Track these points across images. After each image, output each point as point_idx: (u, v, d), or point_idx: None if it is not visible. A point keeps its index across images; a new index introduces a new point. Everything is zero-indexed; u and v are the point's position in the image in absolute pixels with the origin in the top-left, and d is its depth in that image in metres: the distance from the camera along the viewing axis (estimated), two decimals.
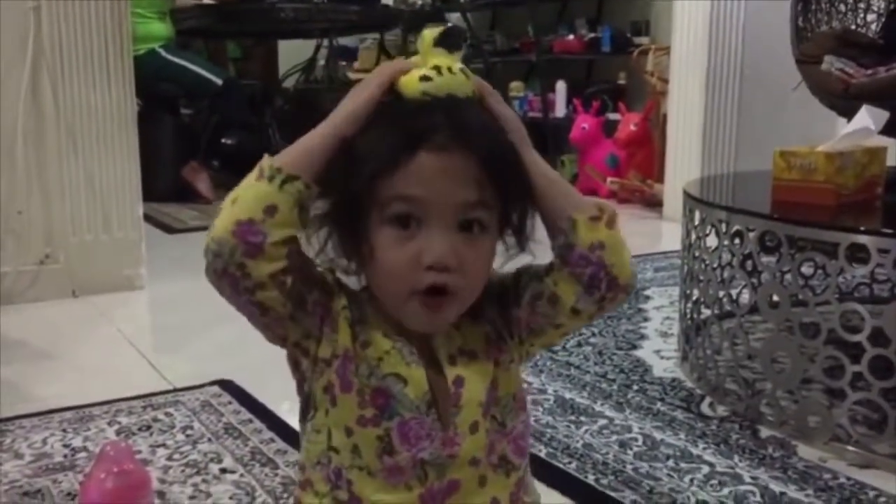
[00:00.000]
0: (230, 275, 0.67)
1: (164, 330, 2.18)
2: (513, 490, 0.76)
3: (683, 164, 3.27)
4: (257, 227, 0.67)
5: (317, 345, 0.72)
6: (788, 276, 1.48)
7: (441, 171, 0.68)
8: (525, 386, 0.79)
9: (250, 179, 0.69)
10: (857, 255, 1.42)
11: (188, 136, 4.09)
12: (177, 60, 3.86)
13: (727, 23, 3.17)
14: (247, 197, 0.68)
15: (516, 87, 4.86)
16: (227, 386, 1.61)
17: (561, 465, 1.30)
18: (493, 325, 0.76)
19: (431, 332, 0.73)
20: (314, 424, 0.74)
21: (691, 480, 1.25)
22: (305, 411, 0.76)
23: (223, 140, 4.21)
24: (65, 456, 1.33)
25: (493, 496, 0.75)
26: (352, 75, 4.68)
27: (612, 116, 4.14)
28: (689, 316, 1.73)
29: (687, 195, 1.70)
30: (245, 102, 4.25)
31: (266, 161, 0.69)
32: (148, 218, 2.74)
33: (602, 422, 1.46)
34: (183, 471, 1.27)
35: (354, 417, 0.71)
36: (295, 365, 0.75)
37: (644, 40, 4.29)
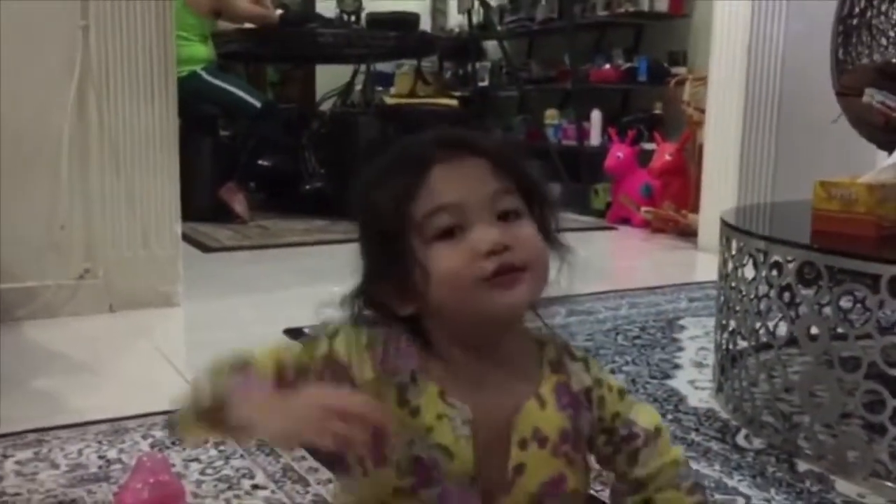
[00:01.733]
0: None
1: (198, 347, 2.20)
2: None
3: (719, 194, 3.25)
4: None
5: None
6: (827, 309, 1.46)
7: (459, 174, 0.71)
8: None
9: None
10: None
11: (226, 157, 4.14)
12: (217, 83, 3.93)
13: (766, 53, 3.16)
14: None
15: (551, 115, 4.88)
16: None
17: (593, 492, 1.28)
18: (573, 423, 0.75)
19: (515, 308, 0.71)
20: (346, 484, 0.74)
21: None
22: (338, 468, 0.76)
23: (260, 162, 4.26)
24: (99, 467, 1.34)
25: None
26: (388, 100, 4.72)
27: (648, 146, 4.13)
28: (724, 346, 1.71)
29: (724, 224, 1.69)
30: (282, 125, 4.31)
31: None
32: (184, 236, 2.77)
33: None
34: (216, 485, 1.28)
35: (390, 490, 0.71)
36: None
37: (681, 70, 4.29)
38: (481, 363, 0.73)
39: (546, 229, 0.76)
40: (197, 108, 3.80)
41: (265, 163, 4.28)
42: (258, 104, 3.99)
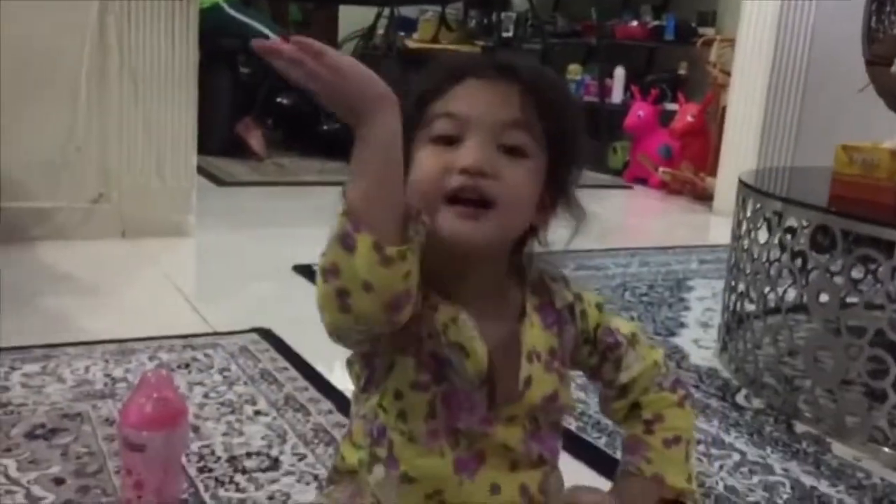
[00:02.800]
0: (375, 336, 0.67)
1: (208, 277, 2.22)
2: (541, 480, 0.77)
3: (738, 158, 3.21)
4: (408, 292, 0.64)
5: None
6: (839, 277, 1.45)
7: (484, 93, 0.70)
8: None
9: (372, 264, 0.61)
10: None
11: (244, 92, 4.11)
12: (239, 16, 3.89)
13: (797, 17, 3.10)
14: (387, 280, 0.62)
15: (574, 69, 4.81)
16: (266, 334, 1.63)
17: (590, 440, 1.29)
18: (560, 339, 0.77)
19: (467, 243, 0.69)
20: (372, 385, 0.74)
21: (721, 467, 1.24)
22: (365, 366, 0.75)
23: (278, 99, 4.23)
24: (105, 384, 1.36)
25: (522, 482, 0.76)
26: (410, 45, 4.67)
27: (670, 106, 4.08)
28: (731, 308, 1.70)
29: (742, 184, 1.68)
30: None
31: (390, 248, 0.62)
32: (199, 169, 2.77)
33: None
34: (218, 409, 1.30)
35: (409, 382, 0.71)
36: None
37: (709, 31, 4.22)
38: (467, 277, 0.73)
39: (558, 181, 0.75)
40: (217, 41, 3.77)
41: (283, 101, 4.25)
42: (279, 40, 3.95)
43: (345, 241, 0.61)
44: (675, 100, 4.06)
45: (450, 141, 0.70)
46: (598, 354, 0.81)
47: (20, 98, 2.17)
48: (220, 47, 3.86)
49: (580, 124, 0.77)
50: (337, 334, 0.66)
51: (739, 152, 3.26)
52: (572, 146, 0.75)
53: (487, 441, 0.73)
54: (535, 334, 0.76)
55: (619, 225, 3.29)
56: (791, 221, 1.52)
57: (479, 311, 0.73)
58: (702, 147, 3.76)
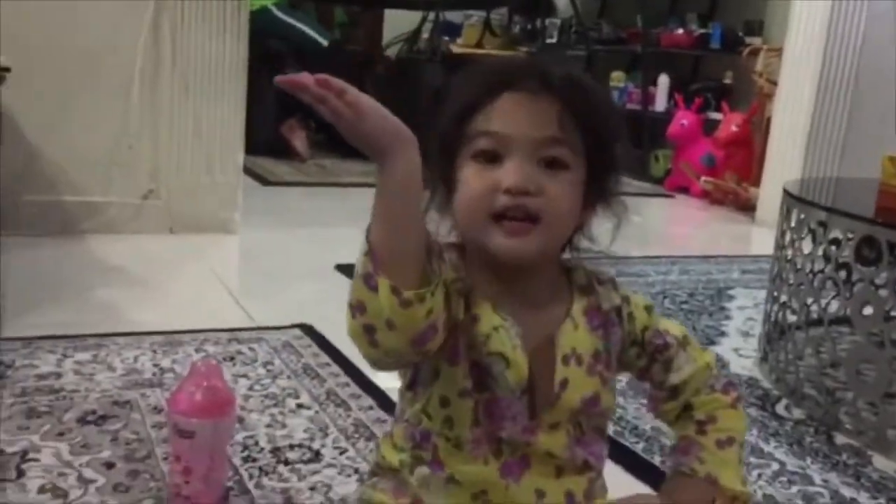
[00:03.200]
0: (410, 363, 0.72)
1: (252, 274, 2.26)
2: (587, 486, 0.78)
3: (782, 168, 3.18)
4: (433, 327, 0.67)
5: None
6: (884, 289, 1.44)
7: (523, 109, 0.71)
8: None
9: (393, 305, 0.64)
10: None
11: (290, 95, 4.16)
12: (287, 19, 3.96)
13: (846, 23, 3.06)
14: (408, 319, 0.65)
15: (617, 77, 4.80)
16: (309, 330, 1.66)
17: (628, 444, 1.30)
18: (605, 344, 0.78)
19: (517, 258, 0.72)
20: (418, 387, 0.76)
21: (759, 475, 1.23)
22: (412, 374, 0.77)
23: None
24: (153, 374, 1.40)
25: (567, 489, 0.77)
26: (454, 50, 4.69)
27: (714, 115, 4.05)
28: (773, 318, 1.69)
29: (786, 193, 1.67)
30: (347, 67, 4.31)
31: (408, 292, 0.64)
32: (245, 169, 2.82)
33: None
34: (262, 401, 1.33)
35: (457, 390, 0.73)
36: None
37: (756, 40, 4.18)
38: (516, 285, 0.75)
39: (601, 187, 0.76)
40: (265, 43, 3.83)
41: None
42: (325, 42, 4.01)
43: (368, 282, 0.64)
44: (719, 109, 4.03)
45: (492, 157, 0.71)
46: (647, 356, 0.82)
47: (75, 95, 2.24)
48: (267, 49, 3.92)
49: (618, 130, 0.78)
50: (373, 364, 0.70)
51: (784, 162, 3.23)
52: (611, 152, 0.76)
53: (531, 449, 0.75)
54: (579, 336, 0.76)
55: (659, 233, 3.27)
56: (836, 232, 1.51)
57: (524, 316, 0.74)
58: (745, 157, 3.72)
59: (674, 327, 0.83)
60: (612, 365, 0.79)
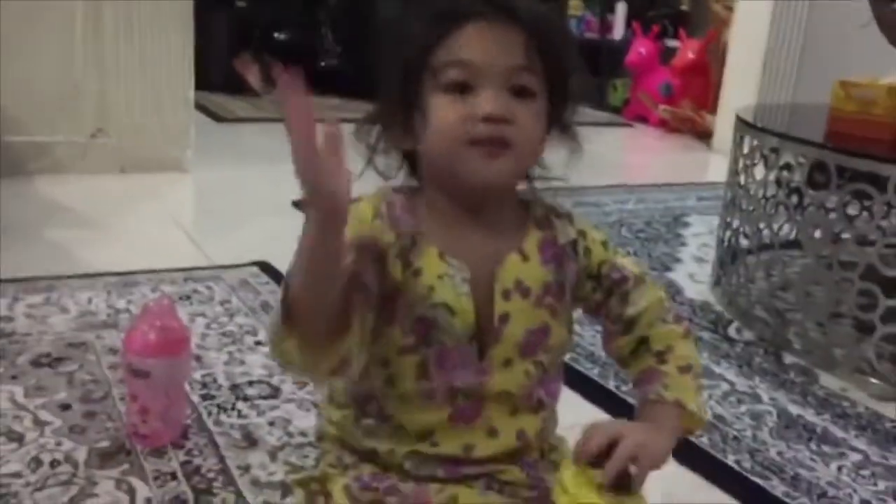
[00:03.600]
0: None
1: (207, 212, 2.23)
2: (540, 426, 0.78)
3: (739, 95, 3.19)
4: (343, 362, 0.67)
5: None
6: (833, 212, 1.47)
7: (491, 38, 0.70)
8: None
9: (301, 351, 0.65)
10: None
11: (242, 28, 4.07)
12: None
13: None
14: (315, 363, 0.66)
15: (575, 5, 4.74)
16: (266, 267, 1.65)
17: (583, 370, 1.32)
18: (556, 276, 0.77)
19: (488, 181, 0.72)
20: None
21: (709, 396, 1.27)
22: None
23: (276, 35, 4.19)
24: (108, 315, 1.38)
25: (520, 427, 0.77)
26: None
27: (671, 43, 4.04)
28: (726, 243, 1.72)
29: (739, 120, 1.68)
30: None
31: (290, 354, 0.65)
32: (198, 106, 2.76)
33: None
34: (220, 339, 1.32)
35: (395, 349, 0.73)
36: None
37: None
38: (469, 219, 0.75)
39: (559, 117, 0.76)
40: None
41: (281, 37, 4.20)
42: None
43: (280, 328, 0.64)
44: (676, 36, 4.01)
45: (463, 88, 0.70)
46: (603, 290, 0.81)
47: (17, 35, 2.16)
48: None
49: (576, 60, 0.77)
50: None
51: (740, 89, 3.24)
52: (569, 83, 0.76)
53: (486, 392, 0.74)
54: (528, 269, 0.76)
55: (617, 162, 3.29)
56: (787, 158, 1.53)
57: (477, 254, 0.74)
58: (703, 84, 3.73)
59: (630, 262, 0.83)
60: (566, 298, 0.79)
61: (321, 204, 0.60)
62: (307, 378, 0.69)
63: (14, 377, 1.15)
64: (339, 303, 0.65)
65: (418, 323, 0.72)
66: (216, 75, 3.72)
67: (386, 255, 0.71)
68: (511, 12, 0.71)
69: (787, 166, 1.56)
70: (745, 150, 1.63)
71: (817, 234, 1.50)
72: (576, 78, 0.77)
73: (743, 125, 1.65)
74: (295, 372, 0.69)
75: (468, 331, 0.73)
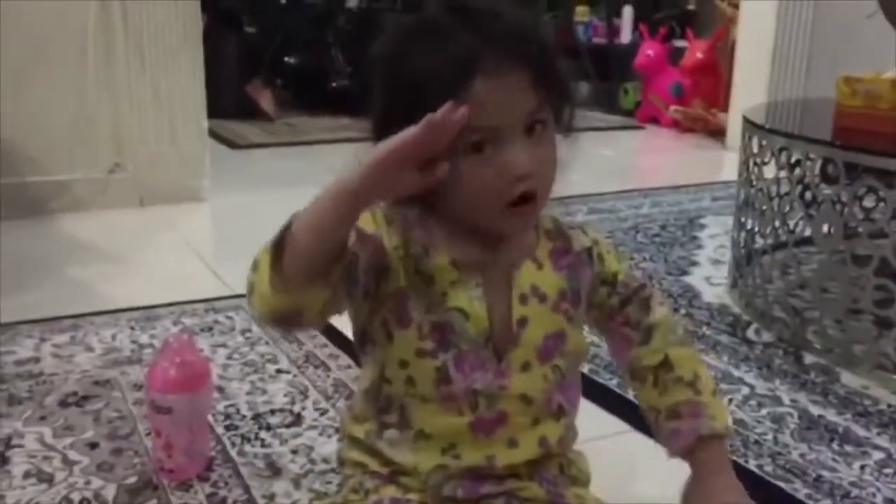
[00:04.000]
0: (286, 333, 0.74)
1: (226, 240, 2.26)
2: (562, 433, 0.80)
3: (750, 92, 3.18)
4: (293, 317, 0.70)
5: (376, 288, 0.74)
6: (845, 207, 1.46)
7: (504, 92, 0.69)
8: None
9: (268, 281, 0.67)
10: None
11: (252, 53, 4.12)
12: None
13: None
14: (274, 303, 0.68)
15: (581, 11, 4.75)
16: None
17: (603, 381, 1.33)
18: (570, 284, 0.79)
19: (517, 232, 0.75)
20: (371, 357, 0.78)
21: (730, 400, 1.27)
22: (362, 341, 0.79)
23: (286, 59, 4.23)
24: (132, 351, 1.41)
25: (542, 435, 0.78)
26: None
27: (679, 44, 4.03)
28: (741, 244, 1.72)
29: (746, 121, 1.68)
30: (308, 21, 4.25)
31: (264, 275, 0.68)
32: (211, 133, 2.80)
33: None
34: (241, 369, 1.34)
35: (413, 350, 0.74)
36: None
37: None
38: (483, 238, 0.76)
39: (564, 124, 0.77)
40: (221, 2, 3.76)
41: (291, 60, 4.24)
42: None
43: (273, 251, 0.68)
44: (684, 37, 4.01)
45: (482, 145, 0.70)
46: (620, 297, 0.83)
47: (29, 76, 2.20)
48: (224, 9, 3.86)
49: (572, 81, 0.79)
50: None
51: (750, 87, 3.22)
52: (571, 93, 0.77)
53: (506, 395, 0.76)
54: (543, 275, 0.78)
55: (631, 166, 3.29)
56: (798, 155, 1.53)
57: (488, 263, 0.76)
58: (713, 83, 3.72)
59: (638, 276, 0.86)
60: (580, 305, 0.81)
61: (371, 187, 0.65)
62: (260, 310, 0.71)
63: (42, 418, 1.17)
64: (326, 262, 0.67)
65: (435, 329, 0.75)
66: (228, 102, 3.77)
67: (387, 256, 0.74)
68: (515, 55, 0.70)
69: (798, 163, 1.56)
70: (755, 149, 1.63)
71: (831, 229, 1.49)
72: (574, 86, 0.78)
73: (750, 125, 1.65)
74: (255, 302, 0.71)
75: (483, 334, 0.75)
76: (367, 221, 0.75)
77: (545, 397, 0.78)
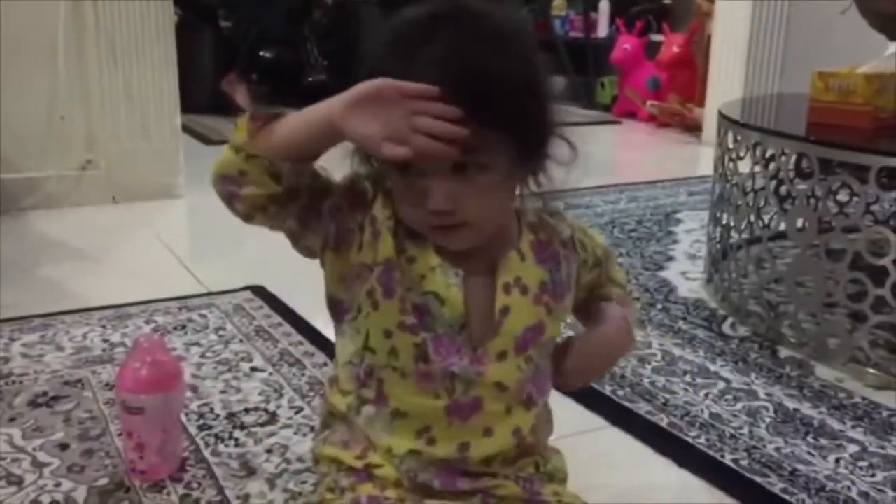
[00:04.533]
0: (224, 203, 0.76)
1: (200, 237, 2.24)
2: (534, 422, 0.80)
3: (726, 86, 3.20)
4: (235, 182, 0.73)
5: (356, 251, 0.74)
6: (819, 202, 1.47)
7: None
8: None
9: (230, 138, 0.74)
10: (892, 179, 1.41)
11: (227, 48, 4.08)
12: None
13: None
14: (225, 157, 0.74)
15: (558, 5, 4.75)
16: (260, 292, 1.66)
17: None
18: (552, 276, 0.79)
19: (458, 249, 0.75)
20: (355, 325, 0.77)
21: (706, 395, 1.27)
22: (342, 313, 0.79)
23: (261, 53, 4.20)
24: (103, 350, 1.39)
25: (516, 426, 0.79)
26: None
27: (656, 38, 4.05)
28: (717, 239, 1.73)
29: (722, 116, 1.68)
30: (283, 15, 4.22)
31: (237, 132, 0.73)
32: (186, 129, 2.77)
33: None
34: (215, 367, 1.33)
35: (395, 322, 0.75)
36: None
37: None
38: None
39: (532, 160, 0.75)
40: None
41: (267, 54, 4.21)
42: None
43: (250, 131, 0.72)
44: (660, 31, 4.02)
45: (406, 166, 0.70)
46: (608, 273, 0.88)
47: (1, 72, 2.16)
48: (198, 3, 3.82)
49: (542, 92, 0.74)
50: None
51: (726, 81, 3.24)
52: (536, 125, 0.73)
53: (482, 382, 0.76)
54: (525, 267, 0.78)
55: (607, 161, 3.29)
56: (772, 150, 1.53)
57: (469, 254, 0.75)
58: (689, 78, 3.74)
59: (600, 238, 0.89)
60: (565, 297, 0.81)
61: (346, 116, 0.68)
62: (215, 164, 0.75)
63: (12, 419, 1.15)
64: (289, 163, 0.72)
65: (415, 308, 0.75)
66: (202, 97, 3.73)
67: (375, 218, 0.74)
68: (457, 89, 0.67)
69: (773, 158, 1.57)
70: (730, 144, 1.64)
71: (805, 224, 1.50)
72: (546, 108, 0.74)
73: (725, 120, 1.66)
74: (219, 177, 0.74)
75: (458, 320, 0.75)
76: (367, 182, 0.76)
77: (518, 387, 0.78)
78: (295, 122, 0.72)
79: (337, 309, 0.79)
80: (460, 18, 0.71)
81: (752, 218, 1.61)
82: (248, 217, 0.75)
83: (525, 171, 0.76)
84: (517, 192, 0.78)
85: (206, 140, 3.33)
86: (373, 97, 0.68)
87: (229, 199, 0.75)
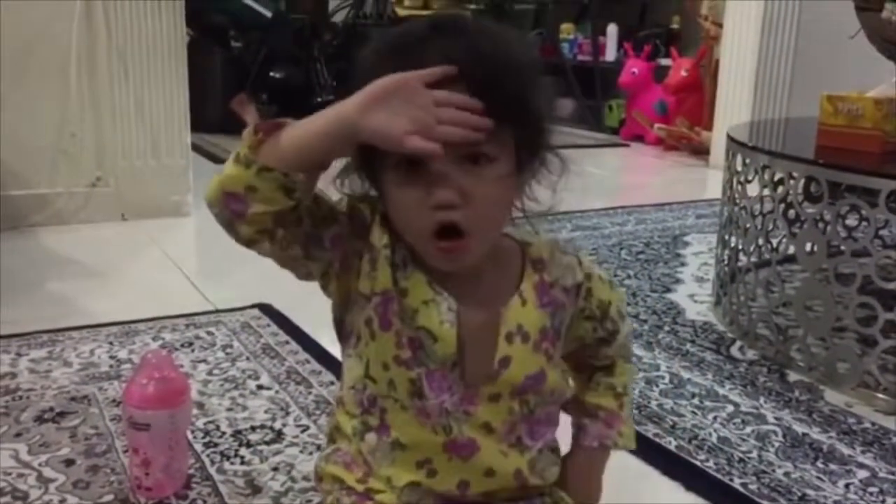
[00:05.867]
0: (225, 228, 0.72)
1: (208, 255, 2.24)
2: (535, 465, 0.78)
3: (733, 110, 3.21)
4: (240, 200, 0.69)
5: (356, 279, 0.73)
6: (828, 226, 1.47)
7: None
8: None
9: (234, 154, 0.70)
10: None
11: (237, 68, 4.11)
12: None
13: None
14: (230, 173, 0.69)
15: (567, 28, 4.79)
16: (267, 309, 1.66)
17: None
18: (552, 321, 0.77)
19: (455, 270, 0.72)
20: (357, 351, 0.76)
21: (714, 418, 1.26)
22: (346, 336, 0.78)
23: (271, 73, 4.23)
24: (111, 366, 1.39)
25: (517, 467, 0.77)
26: (400, 12, 4.64)
27: (664, 62, 4.07)
28: (725, 262, 1.72)
29: (730, 139, 1.68)
30: (294, 37, 4.25)
31: (243, 145, 0.69)
32: (196, 147, 2.79)
33: None
34: (222, 385, 1.33)
35: (392, 355, 0.73)
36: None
37: None
38: (462, 273, 0.74)
39: (531, 160, 0.73)
40: (207, 17, 3.76)
41: (277, 75, 4.24)
42: (268, 14, 3.94)
43: (253, 142, 0.69)
44: (668, 55, 4.04)
45: (412, 161, 0.68)
46: (602, 334, 0.82)
47: (12, 87, 2.19)
48: (210, 23, 3.86)
49: (545, 102, 0.74)
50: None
51: (734, 105, 3.25)
52: (540, 129, 0.73)
53: (471, 423, 0.74)
54: (527, 313, 0.76)
55: (615, 184, 3.30)
56: (781, 174, 1.53)
57: (467, 288, 0.74)
58: (697, 101, 3.75)
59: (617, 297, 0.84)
60: (559, 342, 0.79)
61: (364, 114, 0.66)
62: (213, 184, 0.71)
63: (18, 434, 1.15)
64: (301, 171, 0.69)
65: (410, 341, 0.73)
66: (212, 116, 3.75)
67: (373, 247, 0.73)
68: (467, 79, 0.67)
69: (781, 181, 1.57)
70: (739, 167, 1.64)
71: (814, 248, 1.50)
72: (543, 109, 0.73)
73: (734, 143, 1.66)
74: (213, 180, 0.71)
75: (450, 358, 0.74)
76: (364, 208, 0.74)
77: (506, 428, 0.76)
78: (304, 128, 0.69)
79: (342, 332, 0.79)
80: (461, 25, 0.72)
81: (761, 241, 1.61)
82: (251, 241, 0.71)
83: (525, 169, 0.74)
84: (519, 205, 0.76)
85: (215, 159, 3.34)
86: (391, 91, 0.66)
87: (232, 221, 0.70)
